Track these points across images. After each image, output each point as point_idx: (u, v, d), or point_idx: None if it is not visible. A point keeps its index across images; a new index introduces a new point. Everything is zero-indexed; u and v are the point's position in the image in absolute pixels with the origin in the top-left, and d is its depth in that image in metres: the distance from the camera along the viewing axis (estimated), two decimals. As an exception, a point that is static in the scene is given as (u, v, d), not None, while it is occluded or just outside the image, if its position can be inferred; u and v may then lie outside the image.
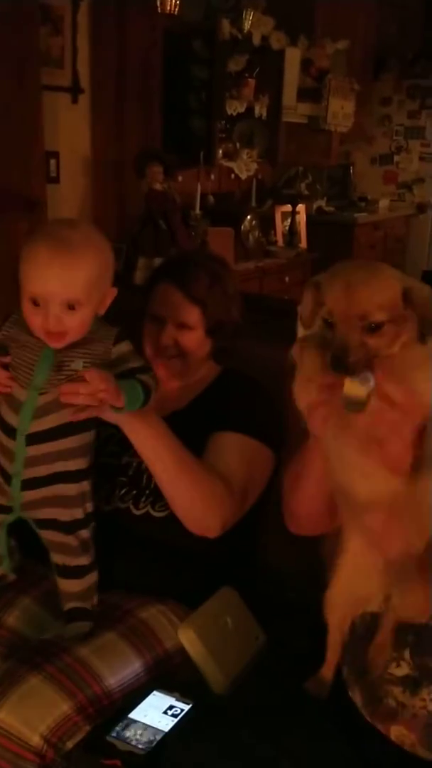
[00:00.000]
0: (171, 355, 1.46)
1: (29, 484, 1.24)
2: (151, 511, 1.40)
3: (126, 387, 1.17)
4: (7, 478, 1.25)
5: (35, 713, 1.15)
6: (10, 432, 1.22)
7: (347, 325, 0.93)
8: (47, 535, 1.29)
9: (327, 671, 1.20)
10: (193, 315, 1.46)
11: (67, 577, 1.30)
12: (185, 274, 1.47)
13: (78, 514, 1.28)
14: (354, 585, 1.13)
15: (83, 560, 1.30)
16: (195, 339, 1.47)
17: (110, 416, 1.22)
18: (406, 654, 1.06)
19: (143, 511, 1.41)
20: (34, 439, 1.21)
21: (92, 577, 1.31)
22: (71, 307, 1.15)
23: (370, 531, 1.06)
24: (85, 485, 1.29)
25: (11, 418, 1.21)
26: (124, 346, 1.23)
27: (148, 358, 1.45)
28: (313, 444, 1.08)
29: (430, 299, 0.96)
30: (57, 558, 1.30)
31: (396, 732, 1.06)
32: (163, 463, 1.28)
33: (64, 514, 1.27)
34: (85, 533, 1.30)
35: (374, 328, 0.93)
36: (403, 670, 1.06)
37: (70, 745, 1.16)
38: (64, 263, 1.13)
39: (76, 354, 1.19)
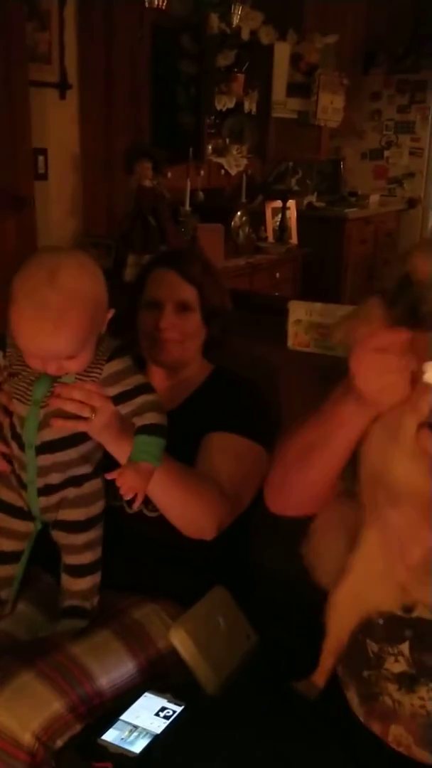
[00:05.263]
0: (170, 339, 1.45)
1: (44, 491, 1.28)
2: (144, 511, 1.39)
3: (143, 446, 1.17)
4: (24, 487, 1.29)
5: (27, 711, 1.14)
6: (22, 445, 1.25)
7: (428, 281, 0.94)
8: (60, 537, 1.32)
9: (319, 677, 1.14)
10: (191, 294, 1.47)
11: (74, 575, 1.33)
12: (180, 260, 1.51)
13: (93, 511, 1.32)
14: (364, 591, 1.05)
15: (92, 558, 1.33)
16: (194, 322, 1.48)
17: (97, 435, 1.23)
18: (405, 649, 1.04)
19: (136, 510, 1.40)
20: (42, 449, 1.24)
21: (97, 577, 1.34)
22: (69, 357, 1.15)
23: (393, 529, 0.99)
24: (97, 483, 1.32)
25: (21, 432, 1.24)
26: (117, 364, 1.20)
27: (145, 348, 1.46)
28: (347, 412, 0.98)
29: None
30: (67, 557, 1.33)
31: (395, 732, 1.05)
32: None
33: (80, 514, 1.31)
34: (96, 531, 1.33)
35: None
36: (400, 666, 1.04)
37: (59, 743, 1.15)
38: (51, 332, 1.10)
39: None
